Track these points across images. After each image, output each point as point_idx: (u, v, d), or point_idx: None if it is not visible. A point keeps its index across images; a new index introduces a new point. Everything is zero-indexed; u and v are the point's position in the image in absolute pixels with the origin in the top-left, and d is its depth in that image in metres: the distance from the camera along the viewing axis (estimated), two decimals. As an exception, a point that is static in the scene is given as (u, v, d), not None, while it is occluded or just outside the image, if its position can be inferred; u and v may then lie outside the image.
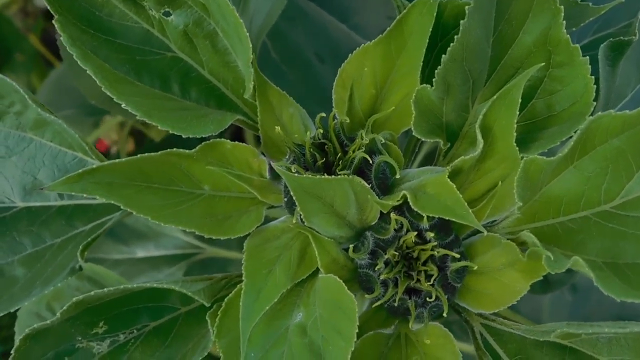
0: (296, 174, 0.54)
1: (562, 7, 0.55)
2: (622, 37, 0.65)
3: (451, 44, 0.55)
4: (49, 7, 0.57)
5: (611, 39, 0.65)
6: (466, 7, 0.53)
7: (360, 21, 1.14)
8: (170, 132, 0.58)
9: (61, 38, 0.57)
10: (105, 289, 0.55)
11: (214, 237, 0.59)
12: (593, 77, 0.57)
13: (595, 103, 0.57)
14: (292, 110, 0.65)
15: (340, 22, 1.12)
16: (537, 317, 1.42)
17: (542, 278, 1.06)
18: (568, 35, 0.56)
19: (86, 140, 0.65)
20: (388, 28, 0.60)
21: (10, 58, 1.64)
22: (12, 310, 0.62)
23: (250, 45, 0.58)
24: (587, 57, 0.56)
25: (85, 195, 0.57)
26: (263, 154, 0.64)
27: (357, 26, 1.13)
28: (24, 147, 0.68)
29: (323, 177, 0.54)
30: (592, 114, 0.59)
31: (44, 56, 1.72)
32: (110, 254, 1.20)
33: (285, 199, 0.61)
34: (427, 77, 0.62)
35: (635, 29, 0.66)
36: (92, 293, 0.56)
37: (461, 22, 0.54)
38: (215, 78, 0.64)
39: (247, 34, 0.59)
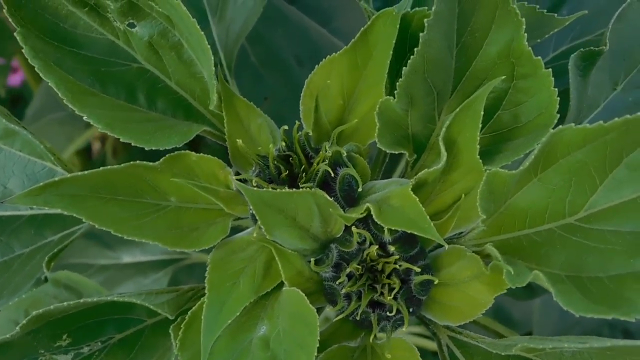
0: (256, 188, 0.54)
1: (523, 19, 0.55)
2: (592, 47, 0.64)
3: (411, 57, 0.54)
4: (10, 20, 0.57)
5: (582, 49, 0.65)
6: (425, 20, 0.53)
7: (340, 25, 1.14)
8: (133, 144, 0.58)
9: (23, 50, 0.57)
10: (65, 303, 0.55)
11: (177, 250, 0.59)
12: (557, 89, 0.56)
13: (559, 115, 0.57)
14: (261, 121, 0.64)
15: (320, 26, 1.11)
16: (527, 322, 1.42)
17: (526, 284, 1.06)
18: (530, 48, 0.55)
19: (54, 150, 0.65)
20: (353, 39, 0.60)
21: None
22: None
23: (212, 58, 0.57)
24: (550, 69, 0.56)
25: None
26: (231, 165, 0.64)
27: (338, 30, 1.12)
28: (-6, 157, 0.68)
29: (284, 190, 0.54)
30: (564, 124, 0.59)
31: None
32: (96, 260, 1.20)
33: (251, 211, 0.61)
34: (395, 87, 0.62)
35: (607, 38, 0.65)
36: (52, 307, 0.55)
37: (420, 34, 0.54)
38: (182, 89, 0.64)
39: (216, 36, 0.58)
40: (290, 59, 1.05)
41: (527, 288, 1.07)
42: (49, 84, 0.57)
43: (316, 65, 0.63)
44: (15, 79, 1.92)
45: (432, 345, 1.02)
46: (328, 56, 0.61)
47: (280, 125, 0.63)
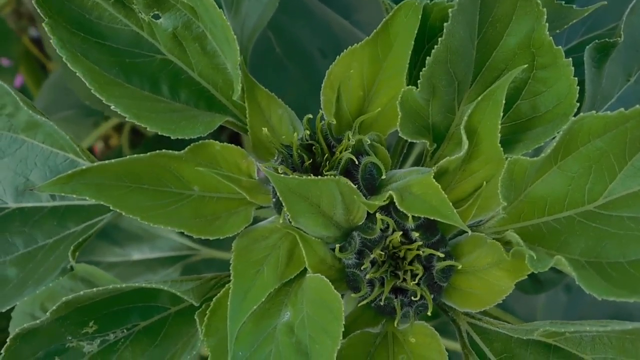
0: (282, 175, 0.55)
1: (544, 9, 0.56)
2: (607, 39, 0.65)
3: (435, 46, 0.55)
4: (38, 10, 0.58)
5: (596, 40, 0.65)
6: (449, 10, 0.54)
7: (362, 17, 1.15)
8: (160, 133, 0.59)
9: (51, 41, 0.58)
10: (94, 289, 0.56)
11: (202, 237, 0.60)
12: (576, 78, 0.57)
13: (579, 104, 0.58)
14: (281, 112, 0.65)
15: (342, 19, 1.12)
16: (532, 318, 1.43)
17: (533, 278, 1.07)
18: (551, 37, 0.56)
19: (77, 142, 0.66)
20: (375, 30, 0.61)
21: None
22: (3, 310, 0.63)
23: (238, 48, 0.58)
24: (571, 58, 0.57)
25: (75, 196, 0.58)
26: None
27: (359, 23, 1.13)
28: (16, 149, 0.68)
29: (309, 177, 0.55)
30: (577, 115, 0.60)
31: (37, 58, 1.73)
32: (105, 257, 1.20)
33: (274, 200, 0.62)
34: (414, 79, 0.63)
35: (621, 30, 0.66)
36: (82, 293, 0.56)
37: (445, 24, 0.55)
38: (204, 80, 0.65)
39: (235, 36, 0.59)
40: (314, 51, 1.06)
41: (536, 282, 1.09)
42: (77, 74, 0.58)
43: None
44: (15, 81, 1.93)
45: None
46: (349, 47, 0.62)
47: (305, 115, 0.64)
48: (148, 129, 0.58)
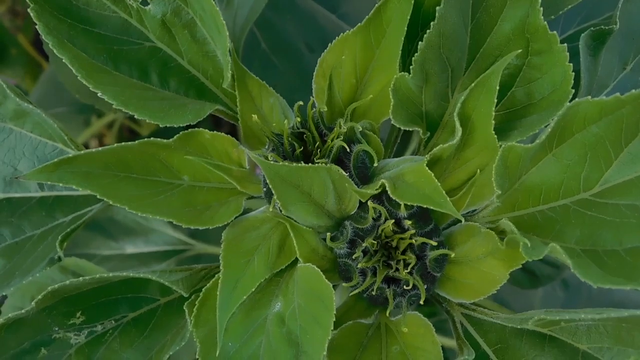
0: (273, 162, 0.54)
1: (539, -7, 0.55)
2: (602, 27, 0.64)
3: (427, 31, 0.54)
4: (24, -5, 0.57)
5: (592, 28, 0.65)
6: (442, -7, 0.53)
7: (348, 10, 1.14)
8: (148, 120, 0.58)
9: (37, 26, 0.57)
10: (81, 278, 0.55)
11: (193, 228, 0.59)
12: (571, 64, 0.56)
13: (574, 91, 0.57)
14: (273, 101, 0.64)
15: (329, 12, 1.11)
16: (529, 314, 1.42)
17: (530, 272, 1.06)
18: (545, 23, 0.55)
19: (66, 130, 0.64)
20: (367, 16, 0.60)
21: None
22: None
23: (227, 34, 0.57)
24: (565, 44, 0.56)
25: (63, 185, 0.57)
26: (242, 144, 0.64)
27: (346, 15, 1.12)
28: (4, 138, 0.67)
29: (300, 164, 0.54)
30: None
31: (33, 56, 1.71)
32: (99, 250, 1.19)
33: (265, 189, 0.61)
34: (407, 67, 0.62)
35: (617, 17, 0.66)
36: (68, 282, 0.55)
37: (437, 8, 0.54)
38: (194, 68, 0.64)
39: (224, 22, 0.58)
40: (301, 46, 1.05)
41: (532, 276, 1.08)
42: (63, 60, 0.57)
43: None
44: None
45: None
46: (342, 34, 0.61)
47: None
48: (136, 116, 0.57)
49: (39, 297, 0.55)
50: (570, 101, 0.58)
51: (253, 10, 0.80)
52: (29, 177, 0.56)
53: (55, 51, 0.57)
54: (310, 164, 0.55)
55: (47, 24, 0.58)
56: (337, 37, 0.62)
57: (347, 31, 0.61)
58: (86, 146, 1.71)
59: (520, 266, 0.56)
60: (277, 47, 1.08)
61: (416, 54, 0.55)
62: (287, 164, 0.54)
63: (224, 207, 0.62)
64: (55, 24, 0.59)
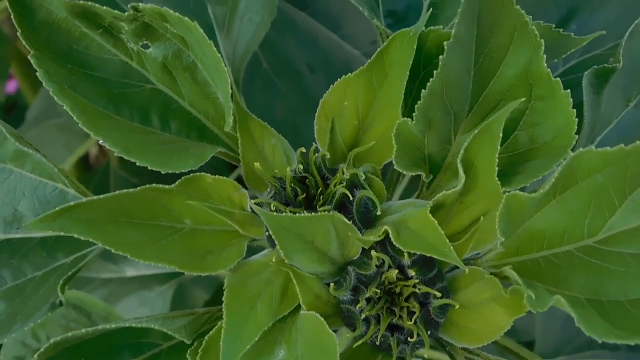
0: (275, 213, 0.54)
1: (542, 40, 0.55)
2: (606, 65, 0.64)
3: (431, 79, 0.54)
4: (24, 43, 0.57)
5: (595, 66, 0.64)
6: (445, 42, 0.53)
7: (350, 31, 1.14)
8: (150, 168, 0.57)
9: (37, 74, 0.57)
10: (83, 330, 0.55)
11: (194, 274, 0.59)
12: (575, 110, 0.56)
13: (577, 136, 0.57)
14: (274, 142, 0.64)
15: (331, 32, 1.11)
16: (530, 330, 1.42)
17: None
18: (549, 70, 0.55)
19: (65, 172, 0.64)
20: (369, 60, 0.60)
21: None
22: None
23: (229, 80, 0.57)
24: (569, 90, 0.56)
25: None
26: (245, 186, 0.63)
27: (348, 36, 1.12)
28: (4, 179, 0.67)
29: (303, 214, 0.54)
30: (577, 142, 0.59)
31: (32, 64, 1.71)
32: (99, 273, 1.19)
33: (267, 233, 0.60)
34: (410, 106, 0.62)
35: (619, 55, 0.65)
36: (70, 334, 0.55)
37: (440, 57, 0.53)
38: (196, 110, 0.63)
39: (226, 68, 0.58)
40: (303, 66, 1.05)
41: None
42: (64, 107, 0.57)
43: (327, 73, 0.63)
44: (10, 86, 1.91)
45: None
46: (343, 76, 0.61)
47: (295, 135, 0.63)
48: (137, 163, 0.57)
49: (42, 349, 0.55)
50: (574, 146, 0.58)
51: (253, 39, 0.79)
52: (32, 226, 0.56)
53: (56, 98, 0.57)
54: (312, 213, 0.54)
55: (48, 70, 0.58)
56: (339, 79, 0.62)
57: (349, 74, 0.61)
58: (87, 155, 1.70)
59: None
60: (278, 67, 1.08)
61: (419, 102, 0.55)
62: (289, 214, 0.54)
63: (226, 250, 0.61)
64: (56, 70, 0.59)
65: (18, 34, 0.57)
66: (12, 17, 0.58)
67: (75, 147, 1.52)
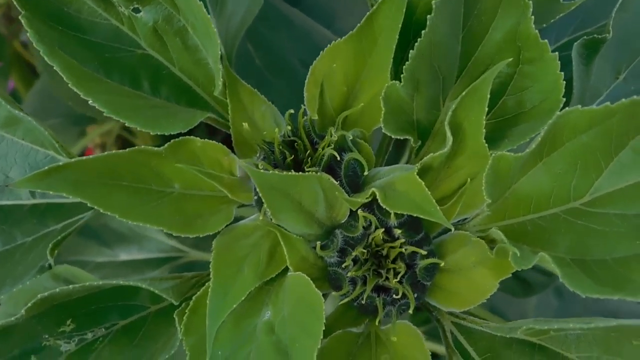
0: (263, 171, 0.54)
1: (530, 2, 0.55)
2: (596, 35, 0.64)
3: (418, 39, 0.54)
4: (15, 3, 0.57)
5: (585, 37, 0.65)
6: (433, 1, 0.53)
7: (344, 26, 1.14)
8: (139, 128, 0.58)
9: (27, 34, 0.57)
10: (71, 286, 0.55)
11: (183, 236, 0.59)
12: (562, 73, 0.56)
13: (564, 99, 0.57)
14: (264, 108, 0.64)
15: (324, 28, 1.11)
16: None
17: (523, 281, 1.05)
18: (537, 31, 0.55)
19: (57, 138, 0.64)
20: (358, 24, 0.60)
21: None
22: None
23: (219, 42, 0.57)
24: (557, 53, 0.56)
25: (53, 193, 0.57)
26: (234, 152, 0.64)
27: (341, 31, 1.12)
28: (-4, 145, 0.67)
29: (290, 173, 0.54)
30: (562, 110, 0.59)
31: (28, 63, 1.71)
32: (92, 257, 1.19)
33: (255, 197, 0.61)
34: (399, 75, 0.62)
35: (610, 26, 0.66)
36: (58, 290, 0.55)
37: (428, 17, 0.54)
38: (186, 76, 0.64)
39: (216, 30, 0.58)
40: (295, 62, 1.05)
41: (525, 285, 1.08)
42: (54, 67, 0.57)
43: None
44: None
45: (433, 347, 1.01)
46: (333, 42, 0.61)
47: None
48: (127, 123, 0.57)
49: (29, 304, 0.55)
50: (561, 110, 0.58)
51: (246, 16, 0.80)
52: (19, 185, 0.56)
53: (46, 58, 0.57)
54: (300, 173, 0.55)
55: (38, 31, 0.58)
56: (328, 45, 0.62)
57: (339, 39, 0.61)
58: (81, 156, 1.71)
59: (513, 275, 0.56)
60: (271, 63, 1.08)
61: (407, 63, 0.55)
62: (277, 172, 0.54)
63: (215, 215, 0.61)
64: (46, 31, 0.59)
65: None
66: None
67: (69, 148, 1.52)
